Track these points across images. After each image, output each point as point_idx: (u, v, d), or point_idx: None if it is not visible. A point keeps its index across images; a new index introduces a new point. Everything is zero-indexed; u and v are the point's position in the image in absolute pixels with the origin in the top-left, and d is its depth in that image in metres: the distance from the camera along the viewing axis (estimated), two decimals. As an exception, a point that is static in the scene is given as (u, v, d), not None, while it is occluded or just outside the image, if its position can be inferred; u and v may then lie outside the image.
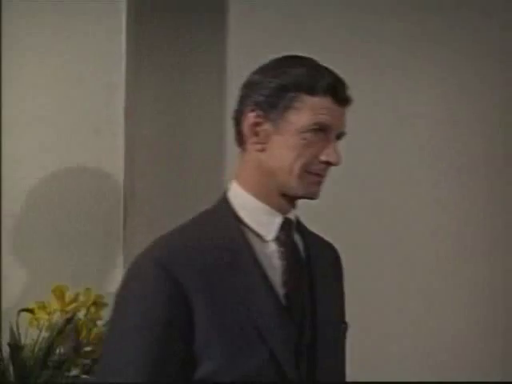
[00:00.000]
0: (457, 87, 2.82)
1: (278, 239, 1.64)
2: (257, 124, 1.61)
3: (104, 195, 2.41)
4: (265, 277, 1.58)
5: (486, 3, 2.86)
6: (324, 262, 1.73)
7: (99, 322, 2.19)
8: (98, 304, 2.19)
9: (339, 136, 1.64)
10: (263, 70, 1.63)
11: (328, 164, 1.61)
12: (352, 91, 1.66)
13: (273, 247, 1.63)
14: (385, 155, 2.79)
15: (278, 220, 1.64)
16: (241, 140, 1.65)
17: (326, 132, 1.60)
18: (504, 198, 2.88)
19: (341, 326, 1.73)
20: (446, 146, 2.80)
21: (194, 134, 2.62)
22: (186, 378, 1.51)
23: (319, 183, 1.63)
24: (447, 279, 2.86)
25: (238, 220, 1.62)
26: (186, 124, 2.61)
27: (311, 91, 1.58)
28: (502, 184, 2.88)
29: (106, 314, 2.18)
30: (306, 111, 1.58)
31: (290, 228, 1.66)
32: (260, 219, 1.63)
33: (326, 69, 1.61)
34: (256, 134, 1.61)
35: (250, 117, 1.61)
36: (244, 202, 1.64)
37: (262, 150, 1.61)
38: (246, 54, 2.63)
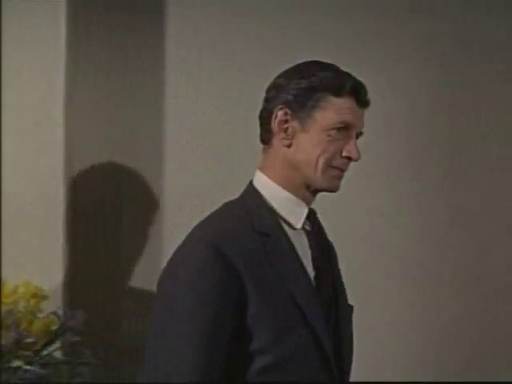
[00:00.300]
0: (385, 87, 2.86)
1: (304, 228, 1.79)
2: (285, 121, 1.75)
3: (44, 188, 2.42)
4: (300, 261, 1.73)
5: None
6: (331, 249, 1.91)
7: (40, 315, 2.21)
8: (37, 296, 2.20)
9: (358, 135, 1.79)
10: (288, 74, 1.79)
11: (349, 159, 1.76)
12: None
13: (302, 234, 1.78)
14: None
15: (304, 210, 1.78)
16: (267, 136, 1.79)
17: (347, 130, 1.75)
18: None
19: (350, 308, 1.88)
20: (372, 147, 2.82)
21: (134, 126, 2.62)
22: (235, 354, 1.63)
23: (340, 177, 1.78)
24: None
25: (270, 209, 1.76)
26: (125, 117, 2.61)
27: (337, 93, 1.74)
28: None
29: (45, 306, 2.20)
30: (332, 111, 1.74)
31: (314, 218, 1.82)
32: (289, 208, 1.77)
33: (348, 73, 1.77)
34: (284, 130, 1.76)
35: (280, 115, 1.76)
36: (273, 192, 1.78)
37: (289, 146, 1.76)
38: (184, 47, 2.64)
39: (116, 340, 2.50)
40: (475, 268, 2.96)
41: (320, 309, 1.71)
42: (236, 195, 1.82)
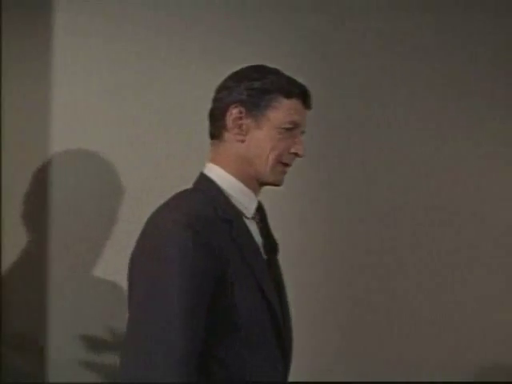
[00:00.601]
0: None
1: (253, 218, 1.97)
2: (240, 118, 1.93)
3: None
4: (257, 246, 1.94)
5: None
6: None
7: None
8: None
9: (303, 132, 1.99)
10: (237, 76, 1.97)
11: (296, 156, 1.96)
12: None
13: (253, 223, 1.97)
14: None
15: (255, 201, 1.97)
16: (219, 132, 1.95)
17: (294, 129, 1.95)
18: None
19: None
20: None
21: (19, 123, 2.59)
22: (209, 327, 1.82)
23: (285, 172, 1.98)
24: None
25: (227, 198, 1.93)
26: (10, 115, 2.58)
27: (288, 95, 1.93)
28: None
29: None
30: (283, 111, 1.93)
31: (261, 208, 2.03)
32: (243, 198, 1.95)
33: (294, 79, 1.97)
34: (239, 126, 1.93)
35: (234, 112, 1.93)
36: (229, 183, 1.94)
37: (243, 141, 1.93)
38: (71, 42, 2.67)
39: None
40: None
41: (273, 288, 1.93)
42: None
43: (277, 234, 2.05)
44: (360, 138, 2.95)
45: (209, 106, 1.99)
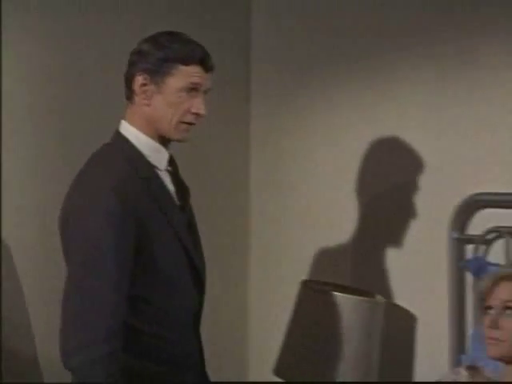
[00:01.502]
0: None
1: (166, 170, 2.24)
2: (144, 85, 2.18)
3: None
4: (171, 195, 2.23)
5: None
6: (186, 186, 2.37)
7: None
8: None
9: (206, 91, 2.22)
10: (148, 42, 2.21)
11: (197, 115, 2.20)
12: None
13: (165, 174, 2.24)
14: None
15: (165, 154, 2.24)
16: (131, 95, 2.22)
17: (195, 91, 2.19)
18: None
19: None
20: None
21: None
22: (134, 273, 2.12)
23: (189, 130, 2.22)
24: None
25: (141, 154, 2.20)
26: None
27: (186, 62, 2.17)
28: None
29: None
30: (181, 76, 2.17)
31: (173, 160, 2.28)
32: (155, 153, 2.22)
33: (197, 44, 2.21)
34: (144, 92, 2.18)
35: (140, 79, 2.18)
36: (141, 140, 2.21)
37: (148, 105, 2.19)
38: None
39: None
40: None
41: (187, 230, 2.24)
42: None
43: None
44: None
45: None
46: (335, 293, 2.83)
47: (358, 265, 3.20)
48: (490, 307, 2.30)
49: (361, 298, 2.86)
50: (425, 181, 3.01)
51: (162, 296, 2.18)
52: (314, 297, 2.88)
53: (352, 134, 3.19)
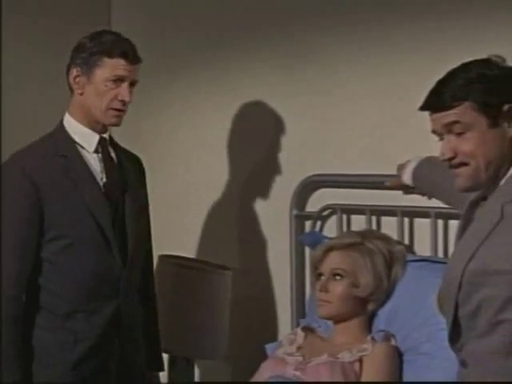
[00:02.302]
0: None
1: (97, 151, 2.54)
2: (77, 76, 2.50)
3: None
4: (91, 173, 2.52)
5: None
6: (133, 168, 2.68)
7: None
8: None
9: (134, 83, 2.52)
10: (86, 37, 2.51)
11: (123, 102, 2.48)
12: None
13: (94, 155, 2.54)
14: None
15: (95, 138, 2.54)
16: (70, 87, 2.53)
17: (121, 81, 2.48)
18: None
19: (143, 208, 2.69)
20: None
21: None
22: (40, 241, 2.48)
23: (119, 116, 2.52)
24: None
25: (71, 139, 2.53)
26: None
27: (110, 55, 2.46)
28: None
29: None
30: (107, 68, 2.47)
31: (105, 143, 2.57)
32: (84, 138, 2.53)
33: (124, 39, 2.51)
34: (77, 83, 2.51)
35: (73, 72, 2.51)
36: (74, 127, 2.54)
37: (81, 94, 2.51)
38: None
39: None
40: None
41: (104, 208, 2.51)
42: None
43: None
44: None
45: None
46: (185, 266, 3.04)
47: (211, 240, 3.42)
48: (321, 274, 2.61)
49: (209, 269, 3.07)
50: (271, 162, 3.21)
51: (66, 261, 2.48)
52: (169, 271, 3.06)
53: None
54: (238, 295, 3.18)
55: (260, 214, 3.27)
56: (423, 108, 1.94)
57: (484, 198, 1.96)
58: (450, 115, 1.89)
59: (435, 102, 1.90)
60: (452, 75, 1.92)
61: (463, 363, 1.95)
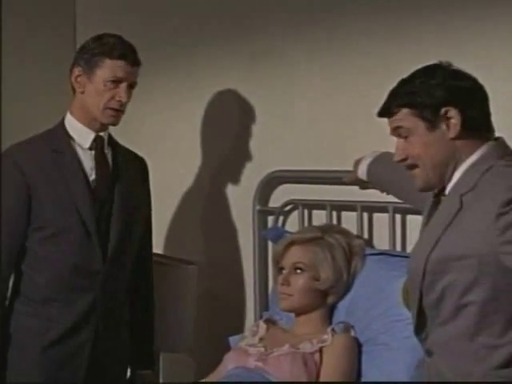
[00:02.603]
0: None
1: (91, 148, 2.63)
2: (79, 76, 2.60)
3: None
4: (82, 169, 2.61)
5: None
6: (131, 167, 2.73)
7: None
8: None
9: (133, 85, 2.61)
10: (90, 39, 2.61)
11: (120, 102, 2.56)
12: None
13: (88, 152, 2.62)
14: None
15: (91, 135, 2.62)
16: (72, 87, 2.63)
17: (120, 82, 2.57)
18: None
19: (136, 208, 2.73)
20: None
21: None
22: (27, 230, 2.59)
23: (117, 116, 2.60)
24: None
25: (68, 135, 2.62)
26: None
27: (110, 57, 2.55)
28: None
29: None
30: (106, 69, 2.56)
31: (100, 141, 2.64)
32: (80, 135, 2.62)
33: (124, 42, 2.59)
34: (78, 82, 2.60)
35: (75, 71, 2.61)
36: (72, 124, 2.63)
37: (83, 93, 2.60)
38: None
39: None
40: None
41: (89, 204, 2.58)
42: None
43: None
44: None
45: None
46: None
47: (176, 235, 3.47)
48: (282, 268, 2.68)
49: (174, 264, 3.12)
50: (234, 158, 3.27)
51: (48, 250, 2.57)
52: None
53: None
54: (202, 289, 3.23)
55: (224, 209, 3.33)
56: (377, 113, 2.06)
57: (444, 194, 2.04)
58: (395, 121, 2.01)
59: (383, 108, 2.03)
60: (400, 83, 2.03)
61: (428, 352, 2.01)
